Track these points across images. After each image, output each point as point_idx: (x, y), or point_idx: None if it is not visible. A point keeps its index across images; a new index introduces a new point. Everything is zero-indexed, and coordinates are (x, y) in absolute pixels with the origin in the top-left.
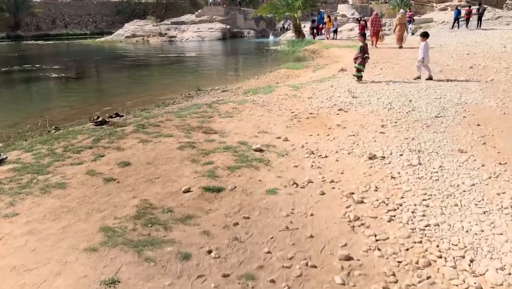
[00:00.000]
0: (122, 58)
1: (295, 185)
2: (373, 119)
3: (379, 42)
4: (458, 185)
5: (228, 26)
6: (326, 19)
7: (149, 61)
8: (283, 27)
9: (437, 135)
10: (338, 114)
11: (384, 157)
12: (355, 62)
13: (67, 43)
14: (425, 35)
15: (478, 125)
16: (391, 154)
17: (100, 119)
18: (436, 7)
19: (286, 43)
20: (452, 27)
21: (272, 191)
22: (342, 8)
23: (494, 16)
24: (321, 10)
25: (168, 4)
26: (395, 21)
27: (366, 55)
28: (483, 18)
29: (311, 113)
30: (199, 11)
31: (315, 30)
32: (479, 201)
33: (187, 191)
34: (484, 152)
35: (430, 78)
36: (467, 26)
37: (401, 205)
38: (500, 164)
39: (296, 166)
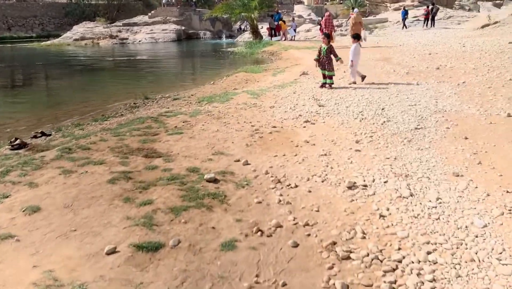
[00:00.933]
0: (66, 63)
1: (259, 233)
2: (345, 132)
3: (331, 42)
4: (466, 226)
5: (183, 27)
6: (281, 22)
7: (96, 66)
8: (240, 28)
9: (422, 153)
10: (304, 127)
11: (366, 186)
12: (323, 68)
13: (11, 47)
14: (356, 37)
15: (466, 138)
16: (373, 180)
17: (18, 142)
18: (390, 7)
19: (244, 45)
20: (403, 27)
21: (229, 244)
22: (298, 9)
23: (445, 16)
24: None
25: (120, 5)
26: (350, 21)
27: (339, 57)
28: (436, 18)
29: (274, 127)
30: (152, 12)
31: (273, 31)
32: (500, 253)
33: (111, 252)
34: (483, 174)
35: (363, 78)
36: (426, 25)
37: (400, 262)
38: (508, 192)
39: (260, 202)
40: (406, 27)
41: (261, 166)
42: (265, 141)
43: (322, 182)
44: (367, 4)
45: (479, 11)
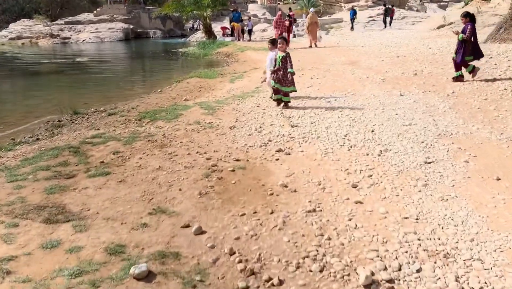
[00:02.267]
0: None
1: None
2: (333, 169)
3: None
4: None
5: (132, 26)
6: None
7: (26, 70)
8: (193, 27)
9: (451, 207)
10: (278, 159)
11: (391, 281)
12: (276, 81)
13: None
14: (272, 43)
15: (498, 179)
16: (400, 268)
17: None
18: (344, 7)
19: (196, 45)
20: (351, 28)
21: None
22: (252, 8)
23: (400, 16)
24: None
25: (64, 2)
26: (306, 21)
27: (290, 70)
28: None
29: (237, 160)
30: (98, 9)
31: (227, 31)
32: None
33: None
34: None
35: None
36: (390, 25)
37: None
38: None
39: None
40: (353, 29)
41: (223, 237)
42: (226, 186)
43: (321, 271)
44: (321, 4)
45: (426, 12)
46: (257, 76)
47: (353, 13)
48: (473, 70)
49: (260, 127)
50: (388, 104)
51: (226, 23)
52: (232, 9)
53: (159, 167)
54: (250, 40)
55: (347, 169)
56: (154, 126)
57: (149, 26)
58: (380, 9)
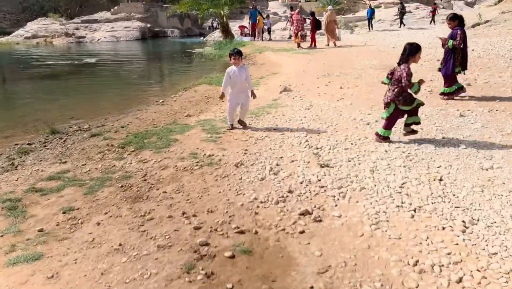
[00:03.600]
0: None
1: None
2: (393, 260)
3: (301, 41)
4: None
5: (149, 25)
6: (258, 17)
7: (24, 73)
8: (212, 25)
9: None
10: (303, 232)
11: None
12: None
13: None
14: (236, 54)
15: None
16: None
17: None
18: (369, 4)
19: (213, 45)
20: (369, 29)
21: None
22: (273, 6)
23: (428, 14)
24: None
25: (83, 0)
26: (324, 19)
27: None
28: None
29: (241, 232)
30: (115, 8)
31: (246, 30)
32: None
33: None
34: None
35: (239, 124)
36: (434, 23)
37: None
38: None
39: None
40: (372, 28)
41: None
42: None
43: None
44: (344, 2)
45: (452, 9)
46: (275, 83)
47: (371, 12)
48: (461, 89)
49: (277, 165)
50: (448, 131)
51: (245, 22)
52: (251, 7)
53: (120, 245)
54: (270, 39)
55: (417, 261)
56: (137, 159)
57: (167, 25)
58: (408, 6)
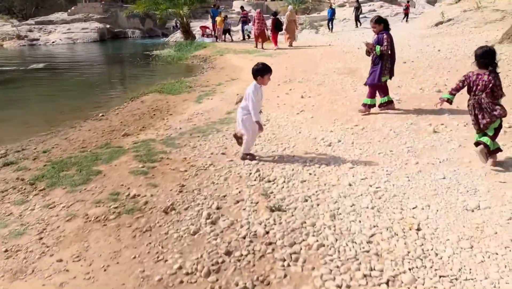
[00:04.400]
0: None
1: None
2: None
3: (265, 42)
4: None
5: (108, 26)
6: (218, 18)
7: None
8: (176, 25)
9: None
10: None
11: None
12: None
13: None
14: (270, 72)
15: None
16: None
17: None
18: (334, 4)
19: (174, 46)
20: (329, 29)
21: None
22: (237, 5)
23: (392, 13)
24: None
25: (39, 0)
26: (284, 19)
27: None
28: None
29: None
30: (72, 8)
31: (208, 30)
32: None
33: None
34: None
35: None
36: (406, 21)
37: None
38: None
39: None
40: (331, 30)
41: None
42: None
43: None
44: (309, 1)
45: (414, 7)
46: (232, 92)
47: (332, 13)
48: (390, 104)
49: (218, 209)
50: (422, 153)
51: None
52: (213, 6)
53: None
54: (232, 41)
55: None
56: (43, 202)
57: (127, 25)
58: (372, 5)
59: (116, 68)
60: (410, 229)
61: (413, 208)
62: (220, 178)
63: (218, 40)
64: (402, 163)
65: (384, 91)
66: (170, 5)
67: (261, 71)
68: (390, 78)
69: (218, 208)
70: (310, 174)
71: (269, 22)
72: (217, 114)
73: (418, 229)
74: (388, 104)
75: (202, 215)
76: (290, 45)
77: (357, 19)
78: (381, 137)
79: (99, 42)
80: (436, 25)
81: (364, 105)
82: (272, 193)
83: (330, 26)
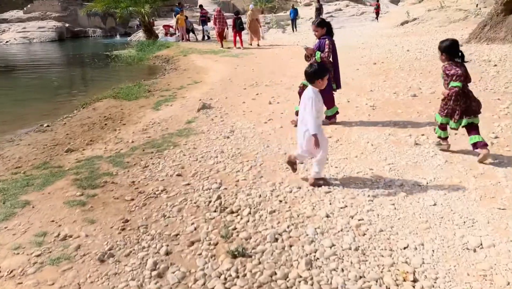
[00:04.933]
0: None
1: None
2: None
3: (224, 41)
4: None
5: (67, 25)
6: (179, 16)
7: None
8: (140, 24)
9: None
10: None
11: None
12: None
13: None
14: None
15: None
16: None
17: None
18: (300, 3)
19: (136, 46)
20: (293, 30)
21: None
22: (202, 3)
23: (358, 12)
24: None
25: None
26: (247, 18)
27: None
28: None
29: None
30: (29, 6)
31: (171, 29)
32: None
33: None
34: None
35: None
36: (377, 20)
37: None
38: None
39: None
40: (296, 30)
41: None
42: None
43: None
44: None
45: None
46: (194, 97)
47: (294, 13)
48: (333, 116)
49: (167, 254)
50: (405, 172)
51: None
52: (177, 4)
53: None
54: (197, 40)
55: None
56: None
57: (88, 24)
58: (338, 3)
59: (71, 70)
60: (405, 280)
61: (405, 248)
62: (173, 208)
63: (182, 40)
64: (385, 185)
65: (332, 102)
66: (131, 3)
67: (319, 73)
68: (336, 89)
69: (167, 253)
70: (280, 201)
71: (231, 21)
72: (175, 124)
73: (414, 281)
74: (334, 116)
75: (147, 264)
76: (257, 45)
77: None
78: (358, 151)
79: (58, 41)
80: (402, 24)
81: (329, 117)
82: (235, 229)
83: (294, 26)
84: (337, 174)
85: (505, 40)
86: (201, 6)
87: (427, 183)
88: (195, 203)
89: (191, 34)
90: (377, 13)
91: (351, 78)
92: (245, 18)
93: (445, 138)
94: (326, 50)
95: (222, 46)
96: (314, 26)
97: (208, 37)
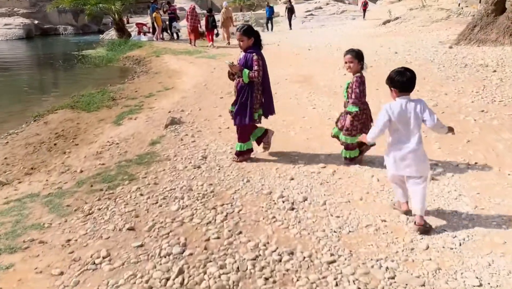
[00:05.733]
0: None
1: None
2: None
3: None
4: None
5: (36, 22)
6: (156, 14)
7: None
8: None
9: None
10: None
11: None
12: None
13: None
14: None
15: None
16: None
17: None
18: (280, 1)
19: (107, 45)
20: (268, 28)
21: None
22: (180, 0)
23: (339, 11)
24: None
25: None
26: (220, 17)
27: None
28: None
29: None
30: None
31: (145, 28)
32: None
33: None
34: None
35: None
36: (364, 18)
37: None
38: None
39: None
40: (270, 29)
41: None
42: None
43: None
44: None
45: (357, 5)
46: (164, 107)
47: (270, 12)
48: (250, 151)
49: None
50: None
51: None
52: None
53: None
54: (172, 38)
55: None
56: None
57: (59, 21)
58: (319, 2)
59: (31, 73)
60: None
61: None
62: None
63: (158, 39)
64: (405, 247)
65: (247, 135)
66: (101, 0)
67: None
68: (267, 115)
69: None
70: (266, 279)
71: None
72: (136, 146)
73: None
74: (247, 153)
75: None
76: (228, 43)
77: (289, 19)
78: (362, 191)
79: (25, 39)
80: (384, 23)
81: (238, 153)
82: None
83: (270, 26)
84: (340, 230)
85: (496, 42)
86: (168, 2)
87: (460, 244)
88: (146, 282)
89: (165, 33)
90: (365, 10)
91: (340, 86)
92: (218, 16)
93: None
94: (256, 68)
95: (194, 45)
96: (239, 33)
97: (178, 36)
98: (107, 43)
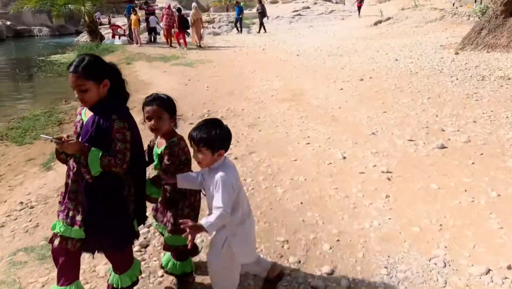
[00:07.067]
0: None
1: None
2: None
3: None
4: None
5: (8, 22)
6: (133, 16)
7: None
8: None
9: None
10: None
11: None
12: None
13: None
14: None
15: None
16: None
17: None
18: (266, 0)
19: (78, 50)
20: (238, 30)
21: None
22: (161, 0)
23: (327, 10)
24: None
25: None
26: (190, 17)
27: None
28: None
29: None
30: None
31: (120, 30)
32: None
33: None
34: None
35: None
36: (359, 16)
37: None
38: None
39: None
40: (240, 30)
41: None
42: None
43: None
44: None
45: (344, 4)
46: None
47: (239, 11)
48: None
49: None
50: None
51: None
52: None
53: None
54: (151, 41)
55: None
56: None
57: (33, 22)
58: (306, 1)
59: None
60: None
61: None
62: None
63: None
64: None
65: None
66: (70, 0)
67: None
68: (139, 223)
69: None
70: None
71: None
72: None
73: None
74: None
75: None
76: (199, 46)
77: (261, 25)
78: None
79: None
80: (376, 24)
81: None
82: None
83: (239, 27)
84: None
85: (508, 47)
86: (146, 2)
87: None
88: None
89: (146, 35)
90: (359, 7)
91: (338, 107)
92: (189, 17)
93: None
94: (119, 147)
95: (170, 45)
96: (73, 75)
97: (155, 39)
98: (77, 47)
